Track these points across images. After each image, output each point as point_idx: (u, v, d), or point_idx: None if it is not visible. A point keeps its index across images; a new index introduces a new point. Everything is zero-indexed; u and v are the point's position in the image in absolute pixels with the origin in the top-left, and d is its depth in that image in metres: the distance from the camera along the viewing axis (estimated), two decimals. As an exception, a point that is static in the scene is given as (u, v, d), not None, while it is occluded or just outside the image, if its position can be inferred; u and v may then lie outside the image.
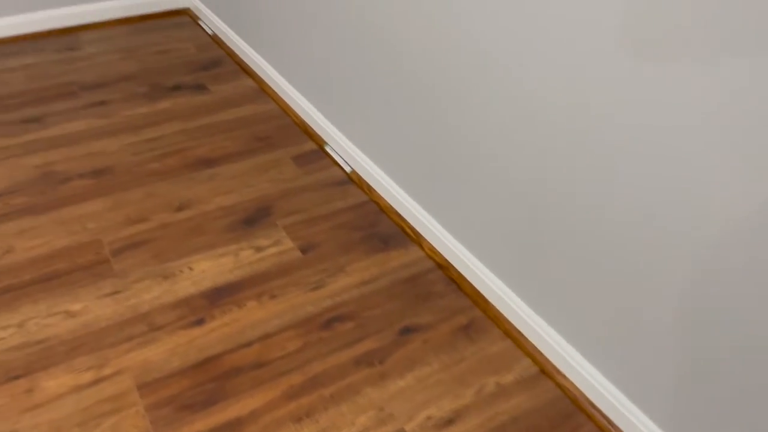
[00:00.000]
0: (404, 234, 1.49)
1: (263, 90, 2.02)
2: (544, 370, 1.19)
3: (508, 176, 1.16)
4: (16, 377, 1.13)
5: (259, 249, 1.43)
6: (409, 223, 1.50)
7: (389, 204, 1.56)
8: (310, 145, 1.79)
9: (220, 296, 1.31)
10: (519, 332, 1.24)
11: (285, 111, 1.92)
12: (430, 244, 1.44)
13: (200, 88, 2.02)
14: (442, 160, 1.32)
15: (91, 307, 1.26)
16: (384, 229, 1.50)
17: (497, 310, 1.28)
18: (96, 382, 1.13)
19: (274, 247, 1.44)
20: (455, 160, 1.28)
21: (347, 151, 1.67)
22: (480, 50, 1.12)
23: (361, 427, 1.08)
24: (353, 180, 1.66)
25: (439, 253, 1.42)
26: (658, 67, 0.83)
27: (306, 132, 1.83)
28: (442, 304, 1.32)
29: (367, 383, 1.15)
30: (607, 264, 1.01)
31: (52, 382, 1.12)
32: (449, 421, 1.10)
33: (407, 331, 1.26)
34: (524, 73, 1.04)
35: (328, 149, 1.75)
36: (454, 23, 1.16)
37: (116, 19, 2.38)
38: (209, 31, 2.35)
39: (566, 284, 1.11)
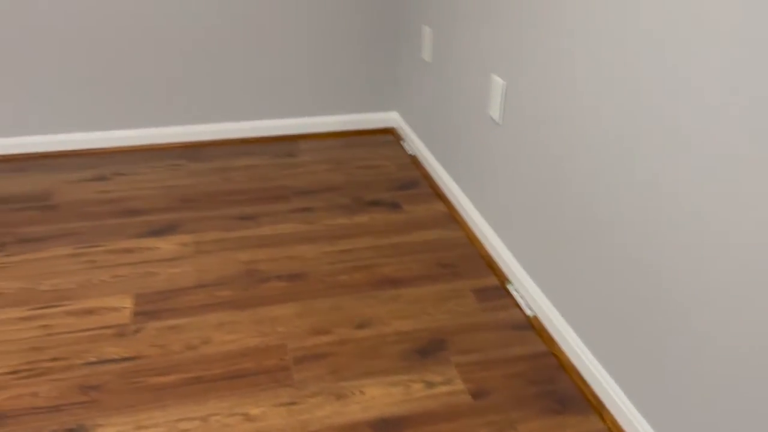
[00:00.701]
0: (584, 399, 1.38)
1: (453, 216, 2.07)
2: None
3: (737, 360, 1.03)
4: (193, 471, 1.20)
5: (430, 385, 1.41)
6: (591, 388, 1.39)
7: (571, 361, 1.47)
8: (492, 281, 1.77)
9: (386, 428, 1.30)
10: None
11: (471, 241, 1.94)
12: (614, 417, 1.31)
13: (395, 206, 2.13)
14: (641, 325, 1.22)
15: (268, 414, 1.32)
16: (562, 388, 1.41)
17: None
18: (259, 494, 1.16)
19: (445, 385, 1.41)
20: (658, 327, 1.18)
21: (530, 293, 1.62)
22: (690, 212, 1.04)
23: None
24: (534, 326, 1.60)
25: (623, 431, 1.28)
26: None
27: (490, 265, 1.82)
28: (621, 494, 1.17)
29: None
30: None
31: (222, 485, 1.17)
32: None
33: None
34: (743, 238, 0.94)
35: (510, 288, 1.72)
36: (658, 182, 1.10)
37: (331, 132, 2.64)
38: (409, 152, 2.50)
39: None
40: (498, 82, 1.70)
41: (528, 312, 1.63)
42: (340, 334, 1.55)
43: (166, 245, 1.87)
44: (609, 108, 1.24)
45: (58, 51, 2.20)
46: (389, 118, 2.68)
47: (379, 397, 1.38)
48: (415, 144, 2.44)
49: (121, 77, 2.31)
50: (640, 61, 1.14)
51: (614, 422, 1.31)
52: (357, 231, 1.98)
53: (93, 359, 1.44)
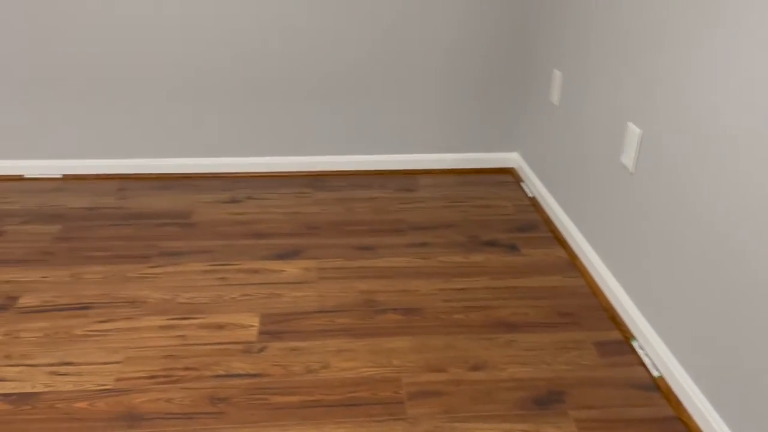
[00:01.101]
0: (717, 474, 1.28)
1: (574, 263, 2.01)
2: None
3: None
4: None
5: (546, 437, 1.37)
6: (725, 463, 1.29)
7: (700, 429, 1.37)
8: (616, 335, 1.70)
9: (499, 477, 1.27)
10: None
11: (593, 290, 1.88)
12: (751, 499, 1.21)
13: (513, 248, 2.11)
14: (789, 410, 1.12)
15: (381, 446, 1.34)
16: (691, 459, 1.32)
17: None
18: None
19: (563, 440, 1.36)
20: (809, 417, 1.08)
21: (657, 351, 1.54)
22: None
23: None
24: (660, 387, 1.51)
25: None
26: None
27: (613, 318, 1.75)
28: None
29: None
30: None
31: None
32: None
33: None
34: None
35: (635, 344, 1.64)
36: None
37: (449, 168, 2.67)
38: (529, 194, 2.47)
39: None
40: (634, 130, 1.65)
41: (654, 372, 1.55)
42: (454, 373, 1.55)
43: (290, 269, 1.97)
44: (756, 163, 1.18)
45: (210, 87, 2.41)
46: (509, 158, 2.68)
47: (492, 443, 1.35)
48: (536, 186, 2.41)
49: (258, 110, 2.48)
50: (805, 118, 1.07)
51: (751, 504, 1.20)
52: (472, 270, 1.98)
53: (222, 372, 1.53)
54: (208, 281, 1.89)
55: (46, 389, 1.46)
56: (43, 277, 1.88)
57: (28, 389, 1.46)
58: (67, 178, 2.52)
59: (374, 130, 2.58)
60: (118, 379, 1.50)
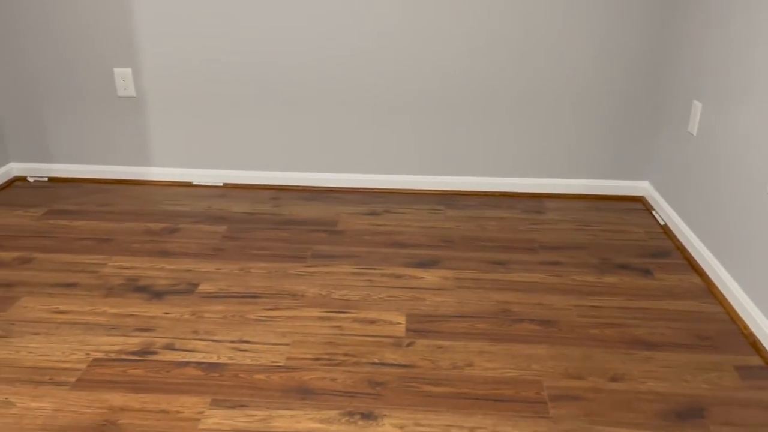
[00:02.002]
0: None
1: (710, 290, 2.03)
2: None
3: None
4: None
5: (688, 448, 1.42)
6: None
7: None
8: (757, 360, 1.71)
9: (642, 478, 1.34)
10: None
11: (732, 317, 1.89)
12: None
13: (646, 272, 2.15)
14: None
15: (527, 438, 1.45)
16: (844, 484, 1.32)
17: None
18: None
19: (706, 452, 1.41)
20: None
21: (805, 380, 1.54)
22: None
23: None
24: (807, 414, 1.51)
25: None
26: None
27: (754, 345, 1.76)
28: None
29: None
30: None
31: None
32: None
33: None
34: None
35: (779, 371, 1.65)
36: None
37: (577, 194, 2.75)
38: (661, 222, 2.50)
39: None
40: (783, 159, 1.68)
41: (800, 399, 1.55)
42: (593, 381, 1.63)
43: (429, 276, 2.13)
44: None
45: (354, 107, 2.65)
46: (639, 186, 2.71)
47: (634, 447, 1.42)
48: (668, 214, 2.43)
49: (392, 129, 2.69)
50: None
51: None
52: (606, 290, 2.05)
53: (376, 360, 1.70)
54: (357, 282, 2.09)
55: (229, 361, 1.70)
56: (216, 269, 2.16)
57: (215, 360, 1.70)
58: (227, 186, 2.85)
59: (506, 153, 2.71)
60: (288, 358, 1.71)
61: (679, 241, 2.33)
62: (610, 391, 1.60)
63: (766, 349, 1.72)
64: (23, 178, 2.88)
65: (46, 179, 2.87)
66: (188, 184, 2.86)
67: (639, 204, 2.69)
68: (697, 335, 1.82)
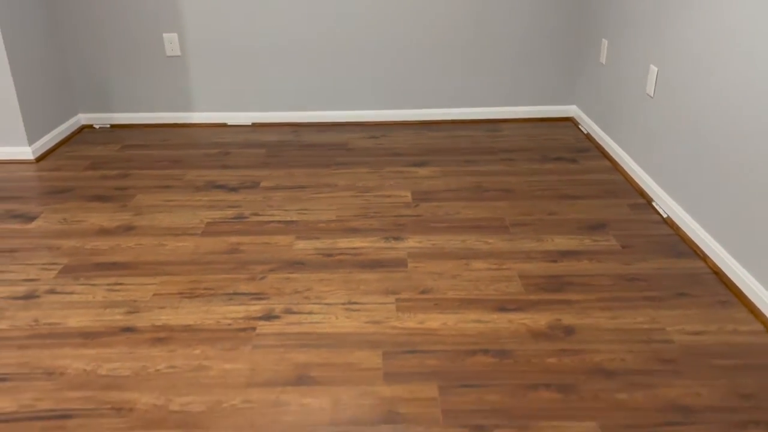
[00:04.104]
0: None
1: (616, 168, 2.96)
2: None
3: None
4: None
5: (594, 241, 2.33)
6: None
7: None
8: (642, 201, 2.63)
9: None
10: None
11: (629, 181, 2.82)
12: None
13: (572, 161, 3.06)
14: None
15: (497, 244, 2.33)
16: None
17: None
18: None
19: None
20: None
21: (671, 207, 2.47)
22: None
23: None
24: (667, 223, 2.44)
25: None
26: None
27: (641, 193, 2.69)
28: None
29: None
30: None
31: None
32: None
33: None
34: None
35: (654, 204, 2.57)
36: None
37: (523, 118, 3.64)
38: (584, 131, 3.42)
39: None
40: (653, 69, 2.60)
41: (664, 215, 2.48)
42: (537, 216, 2.52)
43: (422, 171, 2.99)
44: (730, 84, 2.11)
45: (358, 54, 3.47)
46: (570, 109, 3.63)
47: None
48: (590, 126, 3.36)
49: (385, 75, 3.52)
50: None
51: None
52: (545, 171, 2.95)
53: (397, 215, 2.56)
54: (371, 177, 2.93)
55: (299, 219, 2.52)
56: (269, 173, 2.97)
57: (289, 218, 2.52)
58: (255, 125, 3.63)
59: (468, 88, 3.58)
60: (337, 216, 2.55)
61: (596, 141, 3.26)
62: (548, 220, 2.50)
63: (647, 195, 2.65)
64: (90, 126, 3.59)
65: (109, 126, 3.60)
66: (223, 125, 3.63)
67: (570, 122, 3.60)
68: (605, 190, 2.74)
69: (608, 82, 3.11)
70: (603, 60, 3.16)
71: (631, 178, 2.82)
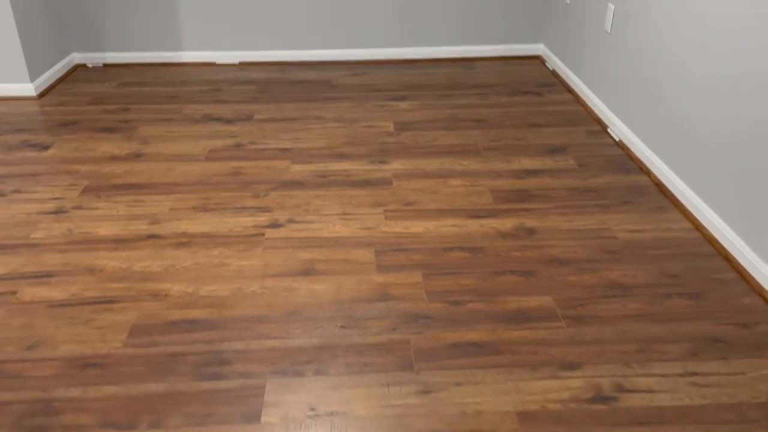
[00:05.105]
0: None
1: (578, 101, 3.27)
2: (700, 232, 2.14)
3: None
4: None
5: (556, 161, 2.66)
6: (646, 165, 2.56)
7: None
8: (599, 128, 2.96)
9: None
10: None
11: (588, 112, 3.13)
12: None
13: (539, 94, 3.36)
14: None
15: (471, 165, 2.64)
16: (630, 167, 2.59)
17: None
18: None
19: (564, 162, 2.65)
20: None
21: (625, 135, 2.80)
22: None
23: None
24: (621, 147, 2.77)
25: None
26: None
27: (598, 122, 3.01)
28: (651, 199, 2.35)
29: None
30: None
31: None
32: None
33: (627, 203, 2.34)
34: (714, 67, 2.09)
35: (609, 131, 2.90)
36: None
37: (494, 56, 3.91)
38: (550, 68, 3.71)
39: (719, 180, 2.08)
40: (611, 7, 2.88)
41: (616, 138, 2.81)
42: (505, 141, 2.83)
43: (402, 104, 3.26)
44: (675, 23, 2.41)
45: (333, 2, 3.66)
46: (537, 47, 3.90)
47: (528, 163, 2.65)
48: (556, 63, 3.64)
49: (372, 16, 3.73)
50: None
51: None
52: (514, 103, 3.25)
53: (381, 142, 2.84)
54: (356, 110, 3.19)
55: (293, 146, 2.79)
56: (260, 107, 3.21)
57: (284, 146, 2.79)
58: (242, 64, 3.83)
59: (444, 27, 3.81)
60: (327, 143, 2.82)
61: (561, 77, 3.55)
62: (516, 145, 2.81)
63: (603, 123, 2.97)
64: (83, 65, 3.75)
65: (101, 65, 3.76)
66: (212, 64, 3.82)
67: (537, 60, 3.88)
68: (567, 120, 3.05)
69: (572, 21, 3.38)
70: (568, 0, 3.42)
71: (590, 108, 3.14)
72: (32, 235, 2.14)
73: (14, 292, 1.87)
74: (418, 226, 2.23)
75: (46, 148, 2.75)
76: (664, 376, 1.59)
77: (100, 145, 2.79)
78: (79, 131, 2.92)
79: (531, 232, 2.19)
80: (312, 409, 1.51)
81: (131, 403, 1.52)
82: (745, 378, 1.58)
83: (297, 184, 2.49)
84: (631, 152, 2.69)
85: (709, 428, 1.45)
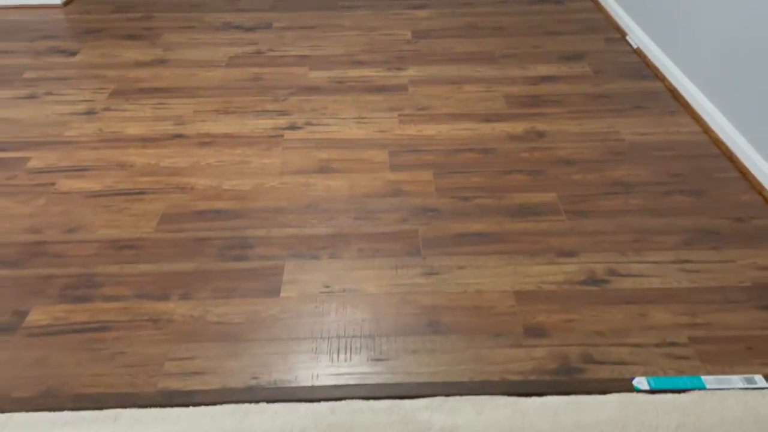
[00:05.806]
0: (657, 77, 2.56)
1: (598, 8, 3.22)
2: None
3: None
4: None
5: (571, 68, 2.67)
6: (661, 72, 2.56)
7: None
8: (618, 36, 2.93)
9: None
10: None
11: (607, 19, 3.09)
12: None
13: (558, 2, 3.31)
14: None
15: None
16: (646, 74, 2.60)
17: None
18: None
19: (580, 69, 2.66)
20: None
21: (644, 42, 2.77)
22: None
23: (598, 129, 2.26)
24: (640, 55, 2.76)
25: (673, 86, 2.46)
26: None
27: (617, 29, 2.98)
28: (663, 104, 2.38)
29: (608, 118, 2.32)
30: None
31: None
32: (644, 138, 2.20)
33: (638, 108, 2.36)
34: (734, -34, 2.06)
35: (628, 39, 2.88)
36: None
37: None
38: (574, -24, 3.62)
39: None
40: None
41: (634, 46, 2.79)
42: (522, 49, 2.84)
43: (420, 13, 3.25)
44: None
45: None
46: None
47: (543, 70, 2.66)
48: (579, -31, 3.55)
49: None
50: None
51: (670, 86, 2.48)
52: (534, 12, 3.22)
53: (403, 48, 2.87)
54: (375, 19, 3.19)
55: (312, 54, 2.84)
56: (280, 15, 3.23)
57: (303, 53, 2.83)
58: (261, -27, 3.80)
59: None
60: (345, 51, 2.86)
61: (584, -15, 3.48)
62: (533, 52, 2.81)
63: (622, 30, 2.94)
64: (105, -25, 3.77)
65: (123, -25, 3.77)
66: (232, -27, 3.80)
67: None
68: (586, 27, 3.03)
69: (598, -76, 3.27)
70: None
71: (610, 15, 3.10)
72: (66, 134, 2.27)
73: (53, 184, 2.02)
74: (431, 129, 2.30)
75: (73, 54, 2.84)
76: (656, 263, 1.69)
77: (125, 51, 2.87)
78: (104, 38, 2.99)
79: (541, 134, 2.25)
80: (326, 287, 1.65)
81: (163, 279, 1.67)
82: (734, 265, 1.68)
83: (315, 90, 2.56)
84: (648, 59, 2.68)
85: (693, 307, 1.56)
